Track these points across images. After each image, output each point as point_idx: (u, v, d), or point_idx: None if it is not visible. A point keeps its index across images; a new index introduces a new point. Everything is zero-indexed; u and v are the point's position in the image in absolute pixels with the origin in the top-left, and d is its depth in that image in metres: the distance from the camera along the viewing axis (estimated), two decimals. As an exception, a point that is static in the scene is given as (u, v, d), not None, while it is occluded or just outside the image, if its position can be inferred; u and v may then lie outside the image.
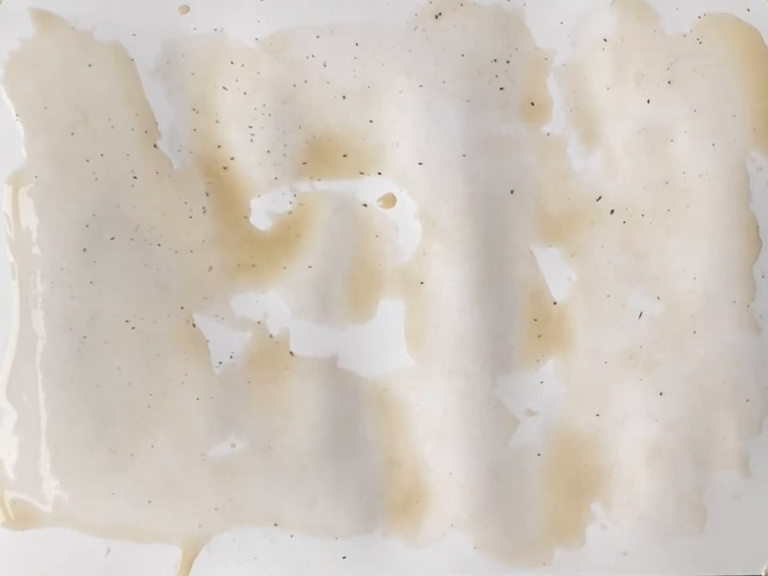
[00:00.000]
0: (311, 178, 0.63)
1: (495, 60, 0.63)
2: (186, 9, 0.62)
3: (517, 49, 0.63)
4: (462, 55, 0.62)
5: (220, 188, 0.62)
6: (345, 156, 0.63)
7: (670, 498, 0.62)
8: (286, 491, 0.61)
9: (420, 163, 0.62)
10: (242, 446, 0.61)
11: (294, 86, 0.62)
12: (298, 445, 0.61)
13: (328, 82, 0.62)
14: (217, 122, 0.62)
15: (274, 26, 0.62)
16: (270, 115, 0.62)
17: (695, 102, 0.62)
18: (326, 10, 0.62)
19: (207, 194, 0.62)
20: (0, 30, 0.61)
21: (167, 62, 0.62)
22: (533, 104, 0.63)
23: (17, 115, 0.61)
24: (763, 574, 0.63)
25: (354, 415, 0.62)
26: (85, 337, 0.60)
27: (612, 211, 0.63)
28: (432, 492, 0.62)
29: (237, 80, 0.62)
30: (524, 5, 0.63)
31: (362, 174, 0.63)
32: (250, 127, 0.62)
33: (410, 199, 0.63)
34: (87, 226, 0.61)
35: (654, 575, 0.62)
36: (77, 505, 0.60)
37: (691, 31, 0.63)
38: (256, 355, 0.62)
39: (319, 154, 0.63)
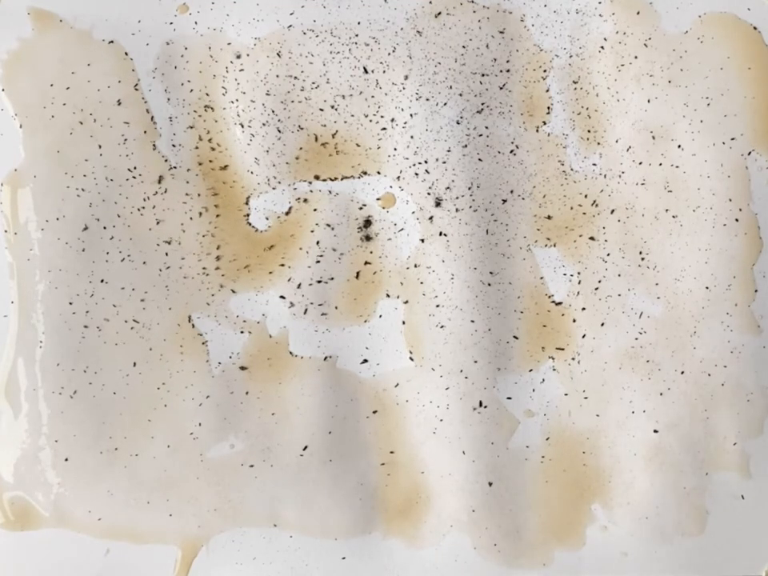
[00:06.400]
0: (310, 177, 0.63)
1: (495, 59, 0.63)
2: (185, 8, 0.62)
3: (517, 49, 0.63)
4: (462, 54, 0.62)
5: (219, 188, 0.62)
6: (344, 156, 0.63)
7: (671, 498, 0.61)
8: (285, 492, 0.61)
9: (420, 163, 0.62)
10: (241, 447, 0.61)
11: (293, 85, 0.62)
12: (297, 445, 0.61)
13: (327, 82, 0.62)
14: (216, 121, 0.62)
15: (273, 26, 0.62)
16: (269, 115, 0.62)
17: (695, 102, 0.62)
18: (326, 9, 0.62)
19: (206, 194, 0.62)
20: (-1, 30, 0.61)
21: (166, 62, 0.62)
22: (533, 104, 0.63)
23: (15, 114, 0.61)
24: (764, 574, 0.63)
25: (353, 416, 0.62)
26: (84, 337, 0.60)
27: (612, 211, 0.63)
28: (431, 493, 0.62)
29: (236, 80, 0.62)
30: (524, 4, 0.63)
31: (361, 173, 0.63)
32: (249, 127, 0.62)
33: (410, 199, 0.62)
34: (86, 226, 0.61)
35: (654, 576, 0.62)
36: (76, 505, 0.60)
37: (692, 30, 0.63)
38: (255, 355, 0.62)
39: (318, 153, 0.63)
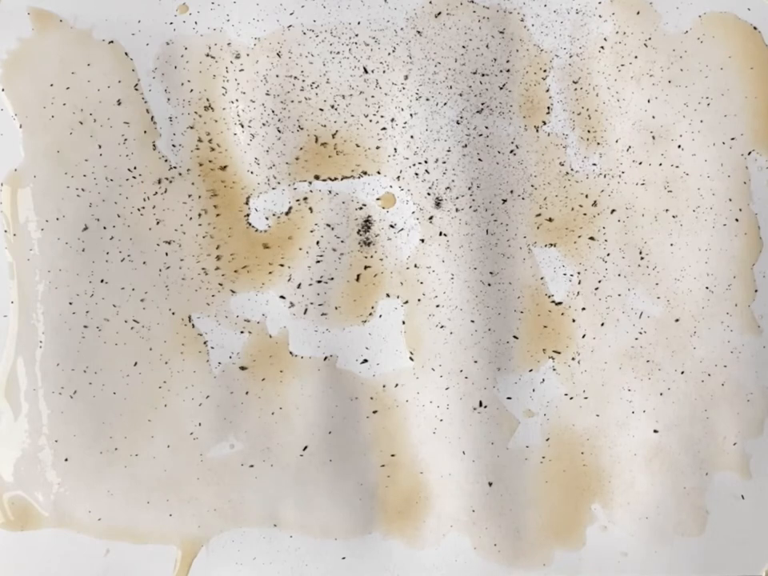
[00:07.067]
0: (310, 177, 0.63)
1: (495, 59, 0.63)
2: (185, 8, 0.62)
3: (517, 49, 0.63)
4: (462, 54, 0.62)
5: (219, 188, 0.62)
6: (344, 156, 0.63)
7: (671, 498, 0.61)
8: (285, 492, 0.61)
9: (420, 163, 0.62)
10: (240, 447, 0.61)
11: (293, 85, 0.62)
12: (297, 445, 0.61)
13: (327, 82, 0.62)
14: (216, 121, 0.62)
15: (273, 26, 0.62)
16: (269, 115, 0.62)
17: (695, 102, 0.62)
18: (325, 9, 0.62)
19: (206, 194, 0.62)
20: (-1, 30, 0.61)
21: (166, 62, 0.62)
22: (533, 104, 0.63)
23: (15, 114, 0.61)
24: (763, 574, 0.63)
25: (353, 416, 0.62)
26: (84, 337, 0.60)
27: (612, 211, 0.63)
28: (431, 493, 0.62)
29: (236, 80, 0.62)
30: (524, 4, 0.63)
31: (361, 173, 0.63)
32: (249, 127, 0.62)
33: (410, 199, 0.62)
34: (86, 226, 0.61)
35: (654, 576, 0.62)
36: (76, 505, 0.60)
37: (692, 30, 0.63)
38: (255, 355, 0.62)
39: (318, 153, 0.63)
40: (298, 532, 0.61)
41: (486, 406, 0.62)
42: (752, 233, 0.62)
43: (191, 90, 0.62)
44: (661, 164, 0.62)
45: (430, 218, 0.62)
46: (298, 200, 0.63)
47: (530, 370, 0.63)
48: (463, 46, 0.62)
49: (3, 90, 0.61)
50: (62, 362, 0.60)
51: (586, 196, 0.63)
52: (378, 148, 0.63)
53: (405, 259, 0.63)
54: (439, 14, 0.63)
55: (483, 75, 0.63)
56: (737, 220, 0.62)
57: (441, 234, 0.62)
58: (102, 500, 0.60)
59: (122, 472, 0.60)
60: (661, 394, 0.62)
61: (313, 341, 0.62)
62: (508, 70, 0.63)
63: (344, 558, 0.62)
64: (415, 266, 0.63)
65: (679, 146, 0.62)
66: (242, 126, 0.62)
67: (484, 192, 0.62)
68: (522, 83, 0.63)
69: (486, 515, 0.61)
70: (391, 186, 0.63)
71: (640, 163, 0.63)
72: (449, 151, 0.62)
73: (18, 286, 0.61)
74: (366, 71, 0.62)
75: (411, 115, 0.62)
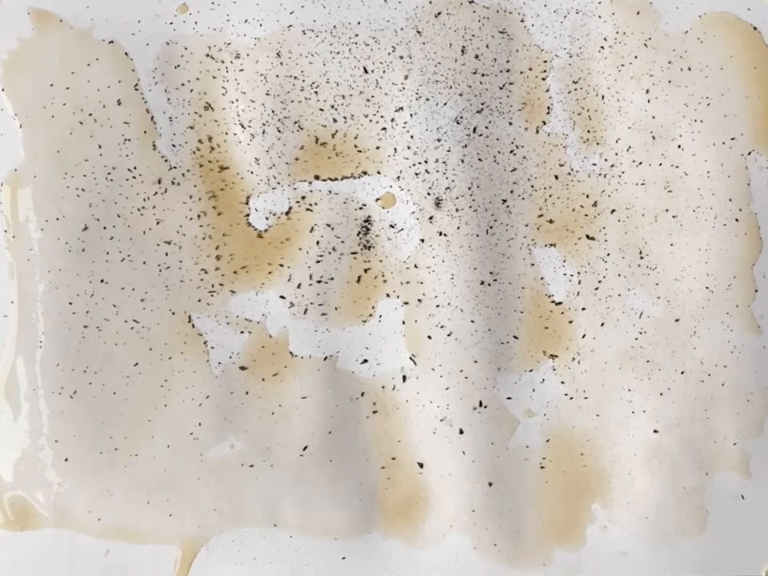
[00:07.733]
0: (310, 177, 0.63)
1: (495, 59, 0.63)
2: (185, 8, 0.62)
3: (517, 49, 0.63)
4: (462, 54, 0.62)
5: (219, 188, 0.62)
6: (344, 156, 0.63)
7: (671, 498, 0.61)
8: (285, 492, 0.61)
9: (419, 163, 0.62)
10: (240, 447, 0.61)
11: (294, 85, 0.62)
12: (297, 445, 0.61)
13: (327, 82, 0.62)
14: (216, 121, 0.62)
15: (273, 26, 0.62)
16: (269, 115, 0.62)
17: (695, 102, 0.62)
18: (325, 9, 0.62)
19: (206, 195, 0.62)
20: (-1, 30, 0.61)
21: (166, 62, 0.62)
22: (533, 104, 0.63)
23: (15, 115, 0.61)
24: (763, 574, 0.63)
25: (353, 416, 0.62)
26: (84, 337, 0.60)
27: (612, 211, 0.63)
28: (431, 493, 0.62)
29: (236, 80, 0.62)
30: (524, 4, 0.63)
31: (361, 173, 0.63)
32: (250, 127, 0.62)
33: (410, 199, 0.62)
34: (86, 226, 0.61)
35: (654, 576, 0.62)
36: (75, 505, 0.60)
37: (692, 30, 0.63)
38: (255, 355, 0.62)
39: (318, 153, 0.63)
40: (298, 532, 0.61)
41: (486, 406, 0.62)
42: (752, 233, 0.62)
43: (191, 90, 0.62)
44: (661, 164, 0.62)
45: (430, 218, 0.62)
46: (297, 200, 0.63)
47: (530, 370, 0.63)
48: (463, 46, 0.62)
49: (3, 89, 0.61)
50: (62, 362, 0.60)
51: (587, 196, 0.63)
52: (377, 148, 0.63)
53: (405, 259, 0.63)
54: (439, 13, 0.63)
55: (483, 75, 0.63)
56: (737, 220, 0.62)
57: (441, 234, 0.62)
58: (101, 500, 0.60)
59: (121, 472, 0.60)
60: (661, 394, 0.62)
61: (313, 341, 0.62)
62: (508, 70, 0.63)
63: (344, 558, 0.62)
64: (415, 266, 0.63)
65: (679, 146, 0.62)
66: (242, 126, 0.62)
67: (484, 192, 0.62)
68: (522, 83, 0.63)
69: (486, 515, 0.61)
70: (391, 186, 0.63)
71: (640, 163, 0.63)
72: (449, 151, 0.62)
73: (18, 285, 0.61)
74: (366, 71, 0.62)
75: (411, 115, 0.62)
